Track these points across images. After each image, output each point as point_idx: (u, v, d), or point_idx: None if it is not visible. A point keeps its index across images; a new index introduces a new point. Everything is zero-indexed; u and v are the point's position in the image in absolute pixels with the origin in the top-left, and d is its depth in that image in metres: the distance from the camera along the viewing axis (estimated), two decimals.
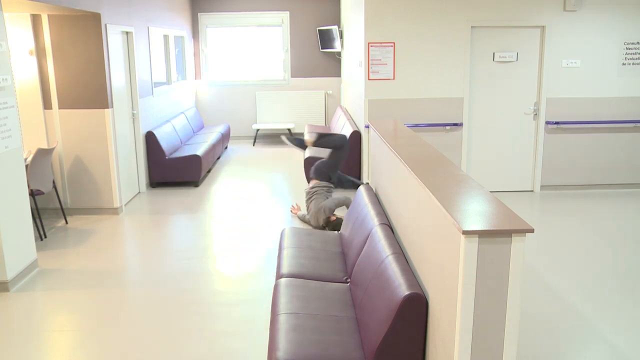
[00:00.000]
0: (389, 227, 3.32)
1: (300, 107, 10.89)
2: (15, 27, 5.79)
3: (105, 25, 6.02)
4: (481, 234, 2.00)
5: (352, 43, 8.04)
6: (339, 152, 5.87)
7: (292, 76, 10.88)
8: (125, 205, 6.67)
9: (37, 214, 5.69)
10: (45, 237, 5.59)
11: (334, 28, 9.77)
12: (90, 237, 5.59)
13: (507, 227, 2.01)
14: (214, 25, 10.72)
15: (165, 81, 8.72)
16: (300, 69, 10.85)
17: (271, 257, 5.02)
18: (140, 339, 3.64)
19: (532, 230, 2.00)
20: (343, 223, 4.34)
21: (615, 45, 6.69)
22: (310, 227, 5.40)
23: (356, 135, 7.04)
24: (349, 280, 3.51)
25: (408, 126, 6.47)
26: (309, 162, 7.14)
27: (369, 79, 6.56)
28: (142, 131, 7.23)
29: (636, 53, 6.72)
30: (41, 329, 3.79)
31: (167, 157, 7.40)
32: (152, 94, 7.77)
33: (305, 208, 6.28)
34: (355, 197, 4.28)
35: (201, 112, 10.95)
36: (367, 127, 6.70)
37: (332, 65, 10.81)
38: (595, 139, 6.91)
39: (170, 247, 5.28)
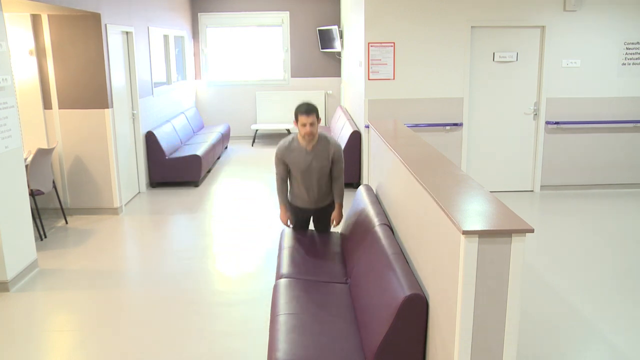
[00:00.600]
0: (389, 228, 3.32)
1: None
2: (15, 27, 5.79)
3: (105, 25, 6.02)
4: (481, 234, 2.00)
5: (352, 43, 8.04)
6: None
7: (292, 76, 10.88)
8: (125, 205, 6.67)
9: (37, 214, 5.69)
10: (45, 237, 5.59)
11: (334, 28, 9.77)
12: (90, 237, 5.59)
13: (507, 227, 2.01)
14: (214, 25, 10.72)
15: (165, 81, 8.72)
16: (300, 69, 10.85)
17: (271, 257, 5.02)
18: (140, 339, 3.64)
19: (532, 230, 2.00)
20: (343, 223, 4.32)
21: (615, 45, 6.69)
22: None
23: (356, 135, 7.04)
24: (349, 280, 3.51)
25: (408, 126, 6.47)
26: None
27: (369, 79, 6.56)
28: (142, 131, 7.23)
29: (636, 53, 6.72)
30: (41, 329, 3.79)
31: (167, 157, 7.40)
32: (152, 94, 7.77)
33: None
34: (355, 197, 4.28)
35: (201, 112, 10.95)
36: (367, 127, 6.70)
37: (332, 65, 10.81)
38: (595, 139, 6.91)
39: (170, 247, 5.28)
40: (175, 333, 3.72)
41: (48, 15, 5.81)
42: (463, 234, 2.00)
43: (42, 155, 5.45)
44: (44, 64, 5.95)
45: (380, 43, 6.48)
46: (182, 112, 9.35)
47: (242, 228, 5.79)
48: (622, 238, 5.35)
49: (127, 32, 6.82)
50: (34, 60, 5.89)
